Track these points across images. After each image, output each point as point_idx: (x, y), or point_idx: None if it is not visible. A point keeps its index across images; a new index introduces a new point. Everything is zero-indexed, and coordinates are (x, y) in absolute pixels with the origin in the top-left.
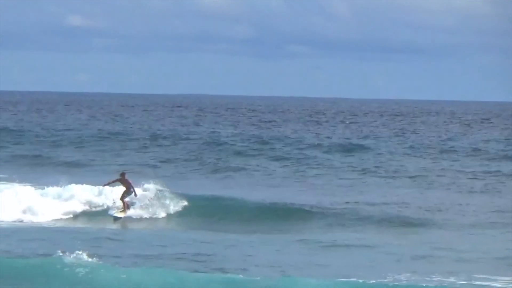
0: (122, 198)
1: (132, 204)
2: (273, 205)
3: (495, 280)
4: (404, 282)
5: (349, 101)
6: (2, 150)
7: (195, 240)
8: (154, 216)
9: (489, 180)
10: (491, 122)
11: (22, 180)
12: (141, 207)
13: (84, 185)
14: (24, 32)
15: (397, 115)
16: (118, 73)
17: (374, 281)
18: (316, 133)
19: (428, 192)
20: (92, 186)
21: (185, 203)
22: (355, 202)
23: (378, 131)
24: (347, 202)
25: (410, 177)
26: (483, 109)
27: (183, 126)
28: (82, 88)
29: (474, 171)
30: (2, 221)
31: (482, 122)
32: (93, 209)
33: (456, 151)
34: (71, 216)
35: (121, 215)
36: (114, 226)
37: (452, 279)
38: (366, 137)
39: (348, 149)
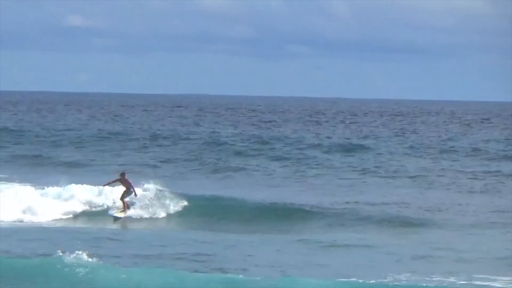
0: (122, 198)
1: (132, 204)
2: (273, 205)
3: (495, 280)
4: (404, 282)
5: (349, 101)
6: (2, 150)
7: (195, 240)
8: (154, 216)
9: (489, 180)
10: (491, 122)
11: (22, 180)
12: (141, 207)
13: (84, 185)
14: (24, 32)
15: (397, 115)
16: (118, 73)
17: (374, 281)
18: (316, 133)
19: (428, 192)
20: (92, 186)
21: (185, 203)
22: (355, 202)
23: (378, 131)
24: (347, 202)
25: (410, 177)
26: (483, 109)
27: (183, 126)
28: (82, 88)
29: (474, 171)
30: (2, 221)
31: (482, 122)
32: (93, 209)
33: (456, 151)
34: (71, 216)
35: (121, 215)
36: (114, 226)
37: (452, 279)
38: (366, 137)
39: (348, 149)
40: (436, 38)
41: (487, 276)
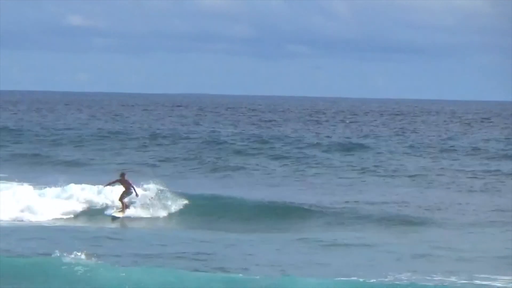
0: (121, 199)
1: (132, 203)
2: (273, 204)
3: (495, 280)
4: (405, 281)
5: (349, 101)
6: (2, 149)
7: (194, 239)
8: (154, 216)
9: (489, 179)
10: (491, 122)
11: (22, 179)
12: (141, 207)
13: (84, 184)
14: (24, 31)
15: (397, 115)
16: (118, 72)
17: (374, 280)
18: (316, 133)
19: (427, 191)
20: (92, 186)
21: (185, 202)
22: (355, 201)
23: (378, 131)
24: (346, 201)
25: (410, 176)
26: (483, 109)
27: (183, 125)
28: (82, 87)
29: (474, 170)
30: (2, 220)
31: (482, 122)
32: (93, 208)
33: (456, 150)
34: (71, 215)
35: (119, 215)
36: (114, 225)
37: (453, 279)
38: (366, 136)
39: (348, 148)
40: (436, 38)
41: (488, 276)
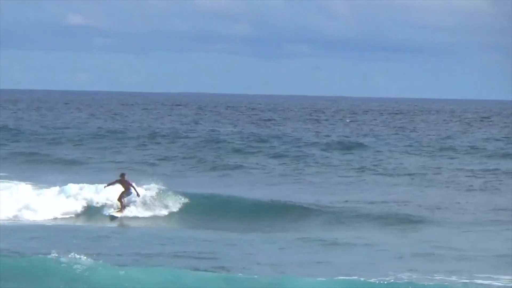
0: (119, 199)
1: (132, 202)
2: (272, 203)
3: (495, 279)
4: (405, 280)
5: (349, 100)
6: (1, 148)
7: (194, 238)
8: (153, 214)
9: (488, 178)
10: (490, 121)
11: (21, 178)
12: (140, 205)
13: (83, 183)
14: (25, 31)
15: (397, 114)
16: (118, 72)
17: (374, 280)
18: (315, 132)
19: (427, 190)
20: (90, 185)
21: (184, 201)
22: (354, 200)
23: (377, 130)
24: (346, 201)
25: (409, 175)
26: (483, 108)
27: (182, 124)
28: (82, 86)
29: (473, 169)
30: (0, 219)
31: (481, 121)
32: (92, 207)
33: (455, 149)
34: (70, 214)
35: (118, 214)
36: (113, 224)
37: (453, 278)
38: (365, 135)
39: (347, 147)
40: (436, 37)
41: (488, 275)
